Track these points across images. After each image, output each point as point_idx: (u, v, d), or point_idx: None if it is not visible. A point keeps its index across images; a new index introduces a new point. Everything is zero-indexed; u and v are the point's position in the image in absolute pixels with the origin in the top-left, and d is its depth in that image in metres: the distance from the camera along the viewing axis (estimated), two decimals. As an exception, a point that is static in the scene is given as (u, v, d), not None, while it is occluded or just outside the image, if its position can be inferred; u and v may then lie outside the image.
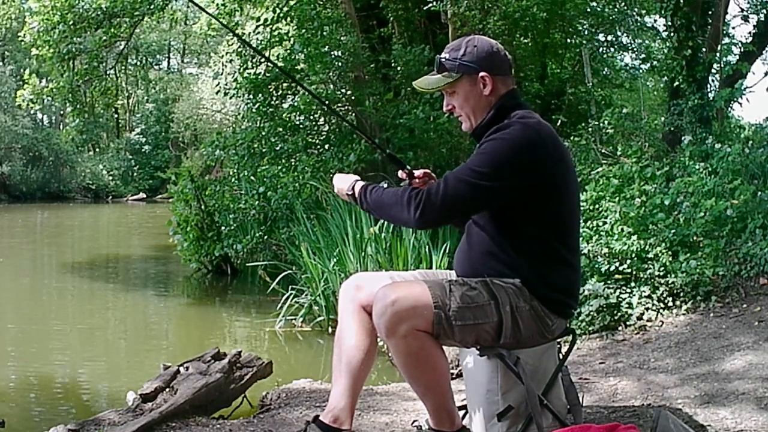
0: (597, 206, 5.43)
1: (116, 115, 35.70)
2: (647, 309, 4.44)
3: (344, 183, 2.41)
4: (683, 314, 4.38)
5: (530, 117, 2.23)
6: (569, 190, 2.27)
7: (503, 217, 2.21)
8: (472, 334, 2.15)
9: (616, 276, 4.62)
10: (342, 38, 8.55)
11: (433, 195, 2.13)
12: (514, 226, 2.20)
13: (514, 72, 2.36)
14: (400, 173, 2.50)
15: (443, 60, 2.29)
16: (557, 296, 2.24)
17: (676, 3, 7.32)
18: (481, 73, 2.24)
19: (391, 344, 2.12)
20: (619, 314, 4.43)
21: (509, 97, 2.28)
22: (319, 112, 8.71)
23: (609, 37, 12.82)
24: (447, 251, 5.55)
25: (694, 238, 4.88)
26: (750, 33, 9.04)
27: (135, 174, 33.68)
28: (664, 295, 4.51)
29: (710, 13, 8.12)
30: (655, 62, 11.56)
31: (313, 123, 8.98)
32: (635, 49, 12.95)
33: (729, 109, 8.91)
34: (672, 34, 7.53)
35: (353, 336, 2.32)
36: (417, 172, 2.49)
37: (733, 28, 16.67)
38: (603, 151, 7.99)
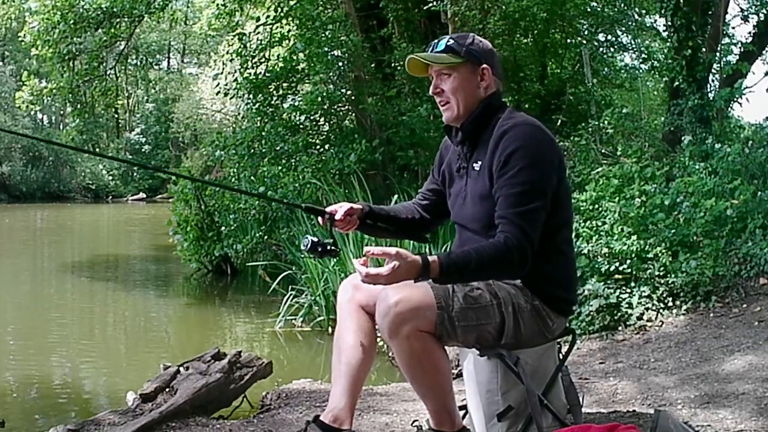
0: (597, 206, 5.43)
1: (116, 115, 35.64)
2: (647, 309, 4.44)
3: (408, 274, 2.04)
4: (683, 314, 4.38)
5: (522, 115, 2.28)
6: (567, 184, 2.32)
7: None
8: (474, 334, 2.15)
9: (616, 276, 4.62)
10: (342, 38, 8.55)
11: (523, 241, 2.08)
12: None
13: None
14: (320, 220, 2.40)
15: (450, 43, 2.28)
16: (558, 292, 2.25)
17: (676, 3, 7.31)
18: (484, 66, 2.27)
19: (393, 345, 2.11)
20: (619, 314, 4.43)
21: (496, 97, 2.32)
22: (319, 112, 8.70)
23: (609, 37, 12.81)
24: (447, 251, 5.54)
25: (694, 238, 4.88)
26: (750, 33, 9.04)
27: (135, 174, 33.65)
28: (664, 295, 4.51)
29: (710, 13, 8.10)
30: (655, 62, 11.54)
31: (314, 123, 8.98)
32: (635, 49, 12.93)
33: (729, 109, 8.89)
34: (672, 34, 7.52)
35: (352, 336, 2.32)
36: (337, 214, 2.36)
37: (733, 28, 16.63)
38: (603, 151, 7.98)
